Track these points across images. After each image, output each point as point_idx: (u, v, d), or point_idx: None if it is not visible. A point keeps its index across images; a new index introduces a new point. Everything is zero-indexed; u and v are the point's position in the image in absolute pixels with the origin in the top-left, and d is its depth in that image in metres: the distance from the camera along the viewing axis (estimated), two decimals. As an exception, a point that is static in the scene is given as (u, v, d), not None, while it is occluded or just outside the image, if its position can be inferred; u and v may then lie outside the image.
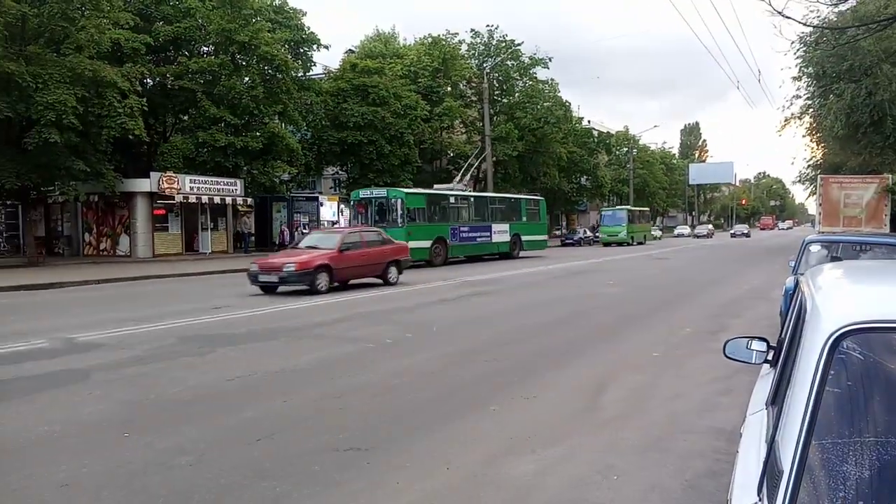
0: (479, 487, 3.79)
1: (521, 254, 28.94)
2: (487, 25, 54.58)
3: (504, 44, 47.93)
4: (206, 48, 31.38)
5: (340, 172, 39.35)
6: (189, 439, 4.59)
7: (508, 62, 48.24)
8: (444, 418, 5.10)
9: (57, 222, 32.37)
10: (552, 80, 51.04)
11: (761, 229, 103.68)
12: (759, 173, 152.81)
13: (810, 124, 30.00)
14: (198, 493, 3.69)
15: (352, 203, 25.04)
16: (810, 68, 23.23)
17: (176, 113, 31.33)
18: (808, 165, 38.39)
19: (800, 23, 17.99)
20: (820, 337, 1.63)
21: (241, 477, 3.92)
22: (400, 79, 38.95)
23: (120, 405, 5.50)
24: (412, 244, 21.68)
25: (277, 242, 32.17)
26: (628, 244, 44.93)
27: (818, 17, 19.90)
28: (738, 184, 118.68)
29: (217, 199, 29.66)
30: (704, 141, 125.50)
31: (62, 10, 22.36)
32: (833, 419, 1.59)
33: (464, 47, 47.59)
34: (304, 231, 30.32)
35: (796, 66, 23.68)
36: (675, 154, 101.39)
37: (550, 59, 48.97)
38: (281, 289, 14.10)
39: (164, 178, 27.55)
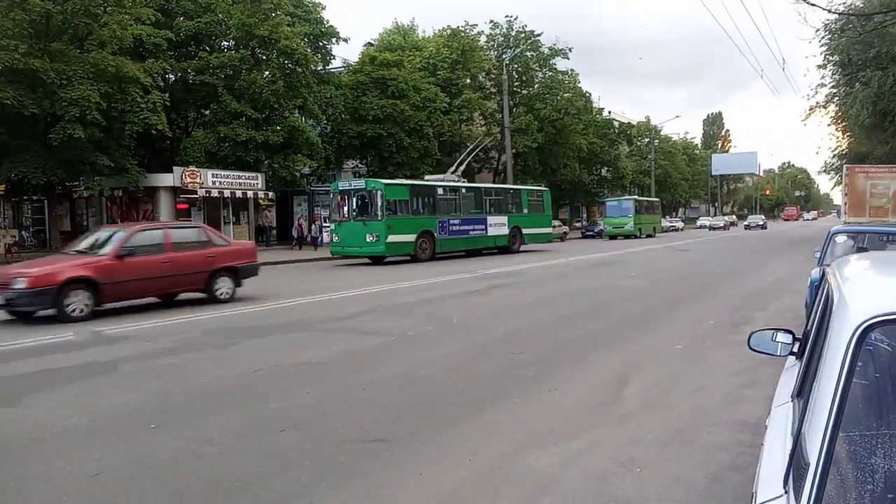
0: (502, 479, 3.82)
1: (524, 248, 27.71)
2: (507, 16, 54.33)
3: (523, 35, 47.68)
4: (226, 43, 31.60)
5: (360, 165, 39.46)
6: (216, 429, 4.67)
7: (528, 53, 47.98)
8: (467, 411, 5.13)
9: (82, 217, 32.87)
10: (572, 70, 50.72)
11: (785, 220, 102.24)
12: (784, 163, 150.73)
13: (836, 113, 29.55)
14: (225, 483, 3.75)
15: (331, 196, 23.87)
16: (836, 56, 22.87)
17: (197, 108, 31.58)
18: (834, 155, 37.83)
19: (824, 10, 17.76)
20: (847, 328, 1.62)
21: (266, 467, 3.98)
22: (419, 71, 38.93)
23: (148, 396, 5.60)
24: (393, 238, 21.22)
25: (295, 237, 32.22)
26: (636, 237, 42.28)
27: (844, 3, 19.59)
28: (762, 174, 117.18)
29: (238, 193, 29.93)
30: (728, 131, 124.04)
31: (85, 6, 22.64)
32: (860, 411, 1.58)
33: (483, 39, 47.41)
34: (325, 225, 30.51)
35: (821, 53, 23.35)
36: (697, 144, 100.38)
37: (570, 50, 48.63)
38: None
39: (187, 173, 27.84)
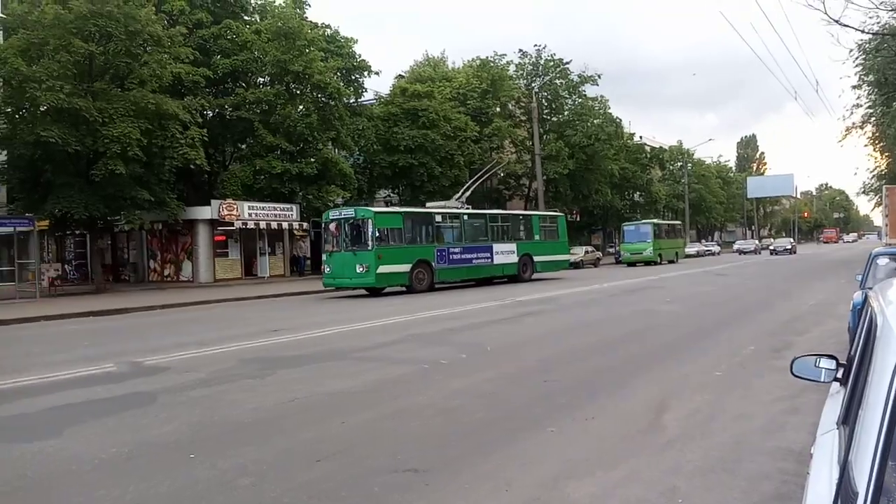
0: (540, 510, 3.75)
1: (537, 276, 26.28)
2: (535, 45, 54.88)
3: (552, 63, 48.01)
4: (262, 79, 32.43)
5: (392, 195, 39.86)
6: (251, 460, 4.68)
7: (557, 81, 48.25)
8: (502, 440, 5.07)
9: (123, 250, 33.72)
10: (602, 96, 50.84)
11: (825, 242, 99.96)
12: (821, 185, 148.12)
13: (873, 133, 29.01)
14: (261, 514, 3.76)
15: (323, 225, 23.01)
16: (871, 76, 22.54)
17: (234, 142, 32.36)
18: (873, 175, 37.05)
19: (858, 30, 17.51)
20: (893, 353, 1.57)
21: (301, 498, 3.97)
22: (449, 101, 39.39)
23: (185, 427, 5.66)
24: (384, 269, 20.26)
25: None
26: (656, 263, 39.64)
27: (878, 23, 19.31)
28: (799, 196, 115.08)
29: (274, 225, 30.43)
30: (762, 153, 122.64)
31: (126, 47, 23.46)
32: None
33: (512, 68, 47.85)
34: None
35: (856, 74, 23.03)
36: (731, 167, 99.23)
37: (599, 76, 48.82)
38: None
39: (224, 206, 28.43)
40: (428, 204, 27.58)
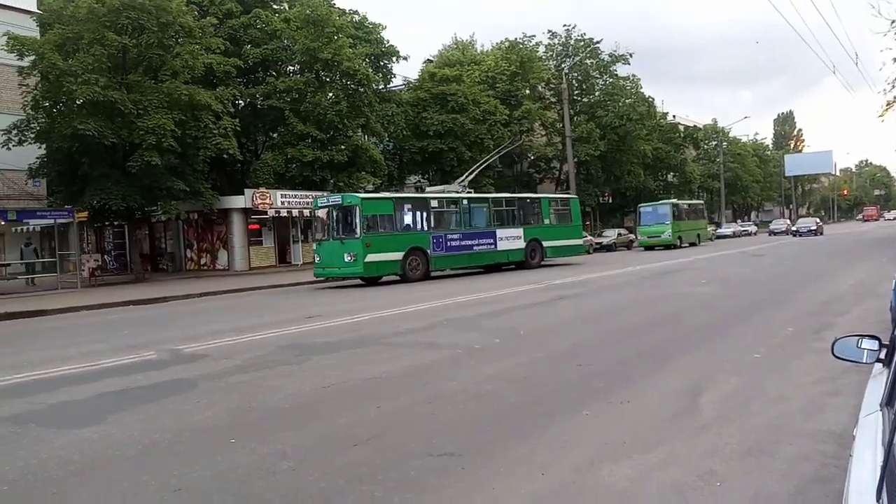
0: (577, 494, 3.76)
1: (548, 262, 25.34)
2: (565, 25, 54.15)
3: (582, 42, 47.41)
4: (291, 67, 32.65)
5: (422, 181, 39.90)
6: (290, 445, 4.77)
7: (587, 61, 47.65)
8: (537, 424, 5.08)
9: (160, 240, 34.39)
10: (634, 75, 50.09)
11: (865, 220, 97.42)
12: (861, 161, 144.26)
13: (917, 107, 28.06)
14: (300, 498, 3.83)
15: (313, 213, 22.31)
16: (915, 47, 21.72)
17: (266, 131, 32.69)
18: (916, 151, 35.85)
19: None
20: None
21: (339, 482, 4.03)
22: (478, 85, 39.18)
23: (225, 412, 5.78)
24: (373, 257, 19.45)
25: None
26: (675, 246, 37.07)
27: (922, -9, 18.59)
28: (838, 174, 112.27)
29: (307, 212, 30.70)
30: (800, 130, 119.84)
31: (158, 38, 23.77)
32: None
33: (541, 49, 47.40)
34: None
35: (899, 45, 22.18)
36: (768, 145, 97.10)
37: (631, 55, 48.12)
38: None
39: (257, 194, 28.78)
40: (427, 189, 26.45)
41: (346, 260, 19.45)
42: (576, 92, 48.24)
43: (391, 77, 36.82)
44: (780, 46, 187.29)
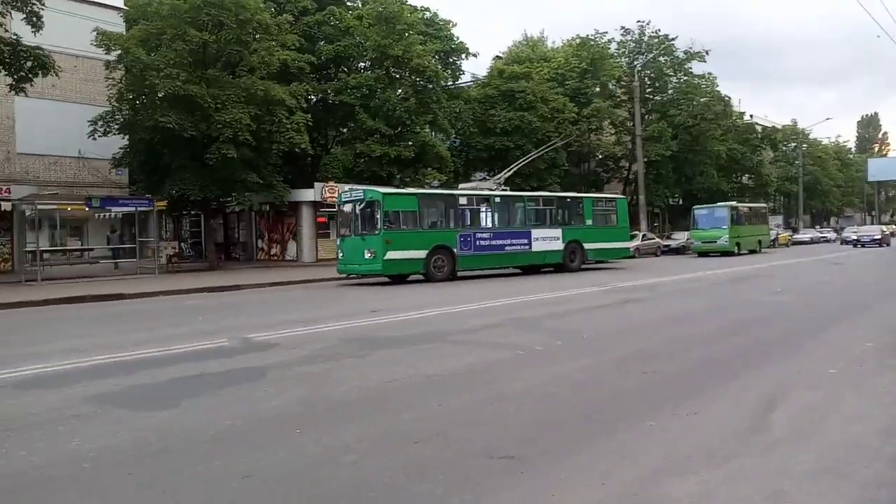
0: (639, 505, 3.70)
1: (595, 265, 24.48)
2: (638, 21, 52.96)
3: (657, 39, 46.37)
4: (363, 64, 33.14)
5: (487, 178, 39.84)
6: (354, 437, 4.86)
7: (661, 58, 46.54)
8: (599, 431, 5.02)
9: (234, 230, 35.58)
10: (709, 73, 48.67)
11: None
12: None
13: None
14: (362, 490, 3.90)
15: (337, 207, 22.03)
16: None
17: (336, 126, 33.34)
18: None
19: None
20: None
21: (401, 477, 4.09)
22: (547, 82, 38.84)
23: (293, 402, 5.94)
24: (394, 255, 18.90)
25: None
26: (732, 253, 34.39)
27: None
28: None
29: (372, 207, 31.10)
30: (885, 133, 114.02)
31: (237, 35, 24.55)
32: None
33: (613, 46, 46.62)
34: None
35: None
36: (850, 149, 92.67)
37: (707, 53, 46.76)
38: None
39: (326, 188, 29.40)
40: (459, 186, 26.02)
41: (366, 257, 19.10)
42: (648, 90, 47.20)
43: (460, 74, 36.92)
44: (865, 45, 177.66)
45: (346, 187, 21.80)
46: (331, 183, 29.66)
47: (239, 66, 25.76)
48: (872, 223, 75.98)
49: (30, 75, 21.96)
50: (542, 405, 5.78)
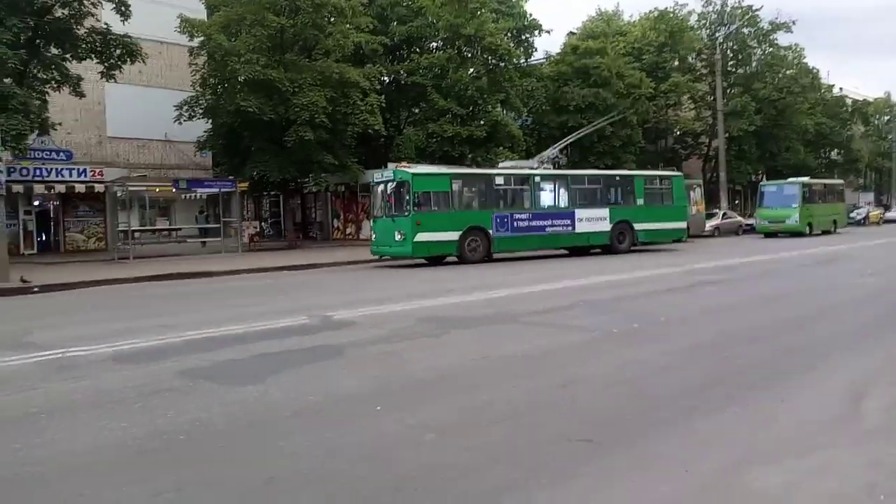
0: (722, 497, 3.63)
1: (642, 247, 23.26)
2: (721, -10, 50.65)
3: (740, 10, 44.36)
4: (435, 44, 33.13)
5: (560, 156, 39.29)
6: (432, 417, 4.96)
7: (744, 30, 44.52)
8: (678, 418, 4.93)
9: (311, 210, 36.50)
10: (796, 44, 46.30)
11: None
12: None
13: None
14: (441, 471, 3.98)
15: (371, 188, 21.53)
16: None
17: (408, 107, 33.53)
18: None
19: None
20: None
21: (479, 459, 4.15)
22: (623, 57, 37.87)
23: (371, 380, 6.09)
24: (424, 236, 18.44)
25: None
26: (803, 234, 31.70)
27: None
28: None
29: (445, 187, 31.22)
30: None
31: (313, 19, 24.98)
32: None
33: (693, 18, 44.97)
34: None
35: None
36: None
37: (794, 23, 44.47)
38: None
39: (400, 168, 29.63)
40: (500, 164, 25.15)
41: (396, 238, 18.77)
42: (730, 63, 45.27)
43: (532, 51, 36.42)
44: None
45: (380, 173, 21.62)
46: (403, 163, 29.86)
47: (315, 50, 26.24)
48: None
49: (119, 63, 23.05)
50: (620, 389, 5.73)
